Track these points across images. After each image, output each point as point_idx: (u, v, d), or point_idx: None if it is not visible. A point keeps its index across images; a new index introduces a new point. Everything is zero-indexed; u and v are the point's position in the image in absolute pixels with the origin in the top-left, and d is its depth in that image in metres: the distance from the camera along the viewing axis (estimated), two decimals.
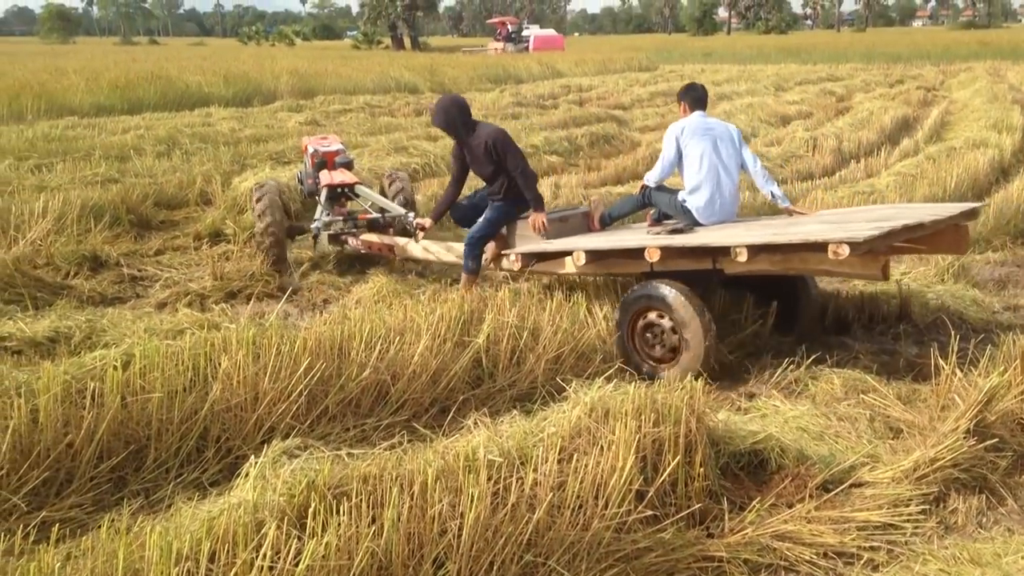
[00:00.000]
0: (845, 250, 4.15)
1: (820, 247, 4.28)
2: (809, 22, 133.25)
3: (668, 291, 4.77)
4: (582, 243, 5.54)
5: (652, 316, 4.91)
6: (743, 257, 4.53)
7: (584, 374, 4.69)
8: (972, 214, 5.19)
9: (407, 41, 68.58)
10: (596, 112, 17.95)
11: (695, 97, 5.98)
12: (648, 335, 4.96)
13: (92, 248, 7.45)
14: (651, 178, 5.96)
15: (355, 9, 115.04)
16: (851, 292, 6.16)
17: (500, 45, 56.14)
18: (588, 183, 10.92)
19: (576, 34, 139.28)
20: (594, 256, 5.34)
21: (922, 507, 3.51)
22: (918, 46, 46.57)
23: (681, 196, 5.77)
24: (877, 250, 4.34)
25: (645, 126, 17.47)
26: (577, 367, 4.88)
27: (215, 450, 3.90)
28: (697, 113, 5.91)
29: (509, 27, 62.09)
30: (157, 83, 20.56)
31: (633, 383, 3.80)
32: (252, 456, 3.47)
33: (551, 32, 66.97)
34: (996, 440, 3.87)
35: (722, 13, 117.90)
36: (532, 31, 62.36)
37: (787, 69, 34.88)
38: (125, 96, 19.20)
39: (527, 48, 54.32)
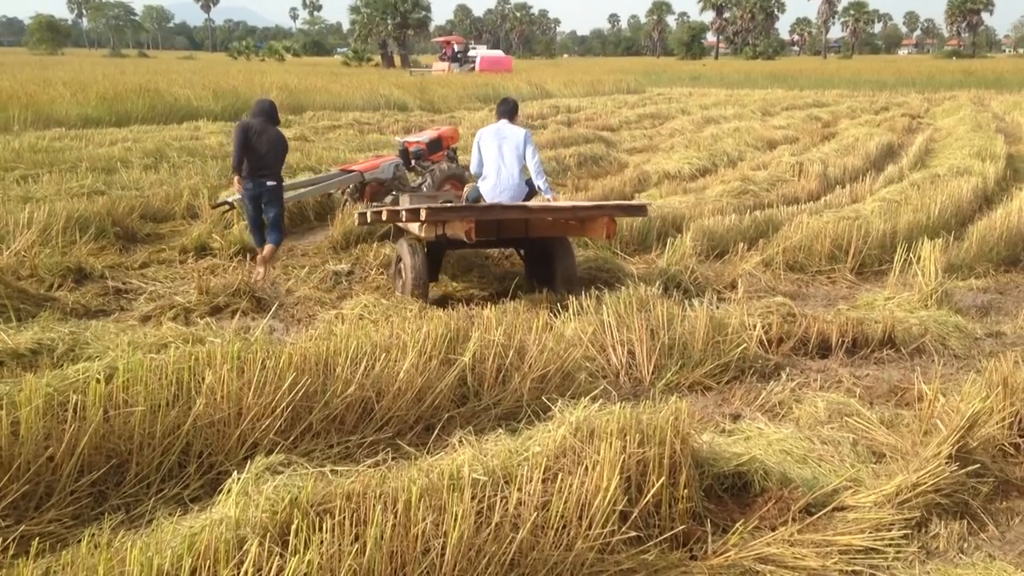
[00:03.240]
0: (423, 214, 6.10)
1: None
2: (796, 48, 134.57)
3: (401, 246, 6.92)
4: (388, 207, 7.69)
5: (399, 262, 7.00)
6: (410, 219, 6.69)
7: (569, 393, 4.69)
8: (635, 209, 7.41)
9: (397, 59, 68.82)
10: (584, 133, 18.06)
11: (502, 110, 7.71)
12: (396, 270, 7.15)
13: (77, 260, 7.41)
14: (473, 173, 7.78)
15: (346, 26, 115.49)
16: (837, 317, 6.20)
17: (446, 66, 54.56)
18: None
19: (565, 55, 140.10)
20: (389, 214, 7.35)
21: (904, 532, 3.52)
22: (903, 74, 47.22)
23: (478, 184, 7.65)
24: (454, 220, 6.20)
25: (633, 148, 17.56)
26: (563, 386, 4.88)
27: (197, 465, 3.87)
28: (502, 121, 7.59)
29: (455, 47, 60.60)
30: (146, 96, 20.57)
31: (619, 404, 3.80)
32: (235, 472, 3.45)
33: (498, 53, 65.74)
34: (978, 466, 3.89)
35: (710, 38, 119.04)
36: (479, 51, 61.23)
37: (774, 94, 35.26)
38: (113, 108, 19.20)
39: (473, 68, 52.97)
